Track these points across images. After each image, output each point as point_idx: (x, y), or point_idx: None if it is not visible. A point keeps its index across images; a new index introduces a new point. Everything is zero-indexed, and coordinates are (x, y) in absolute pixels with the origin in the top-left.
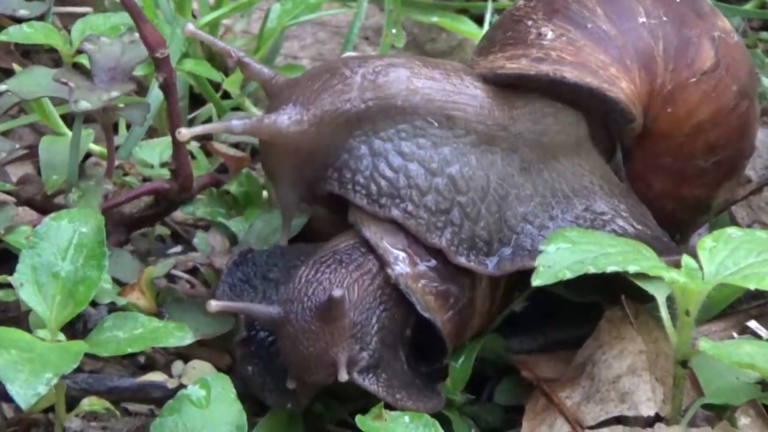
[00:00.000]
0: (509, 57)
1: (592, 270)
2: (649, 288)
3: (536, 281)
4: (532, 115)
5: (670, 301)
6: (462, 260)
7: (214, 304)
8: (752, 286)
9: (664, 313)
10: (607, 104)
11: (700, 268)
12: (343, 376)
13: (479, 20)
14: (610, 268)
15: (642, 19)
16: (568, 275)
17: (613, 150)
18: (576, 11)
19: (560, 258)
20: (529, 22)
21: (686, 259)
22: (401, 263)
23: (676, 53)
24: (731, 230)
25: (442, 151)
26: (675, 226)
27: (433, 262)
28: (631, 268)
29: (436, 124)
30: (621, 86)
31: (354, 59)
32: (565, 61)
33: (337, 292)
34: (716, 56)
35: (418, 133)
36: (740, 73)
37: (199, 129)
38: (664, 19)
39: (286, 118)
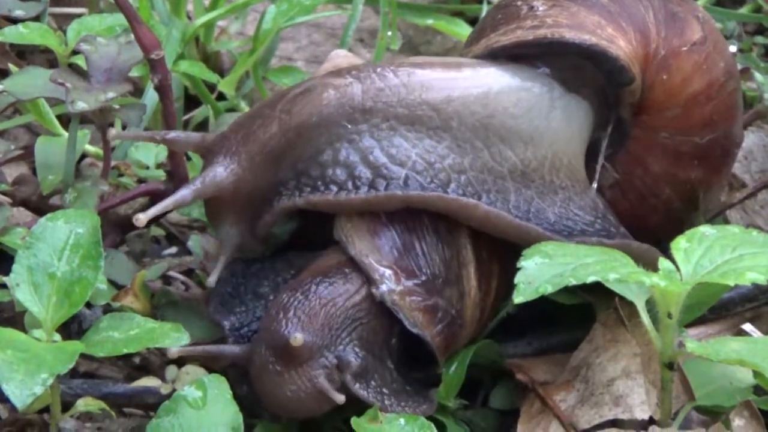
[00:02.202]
0: (503, 33)
1: (573, 282)
2: (627, 293)
3: (518, 298)
4: (482, 100)
5: (651, 304)
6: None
7: (173, 351)
8: (731, 283)
9: (644, 317)
10: (607, 62)
11: (677, 269)
12: (340, 399)
13: (474, 23)
14: (590, 279)
15: None
16: (550, 289)
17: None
18: None
19: (539, 273)
20: (519, 2)
21: (663, 262)
22: (387, 280)
23: (666, 22)
24: (704, 228)
25: (360, 144)
26: (670, 224)
27: (420, 278)
28: (611, 276)
29: (349, 126)
30: (619, 44)
31: (275, 95)
32: (562, 24)
33: (295, 339)
34: (703, 31)
35: (334, 140)
36: (725, 53)
37: (153, 210)
38: None
39: (222, 170)
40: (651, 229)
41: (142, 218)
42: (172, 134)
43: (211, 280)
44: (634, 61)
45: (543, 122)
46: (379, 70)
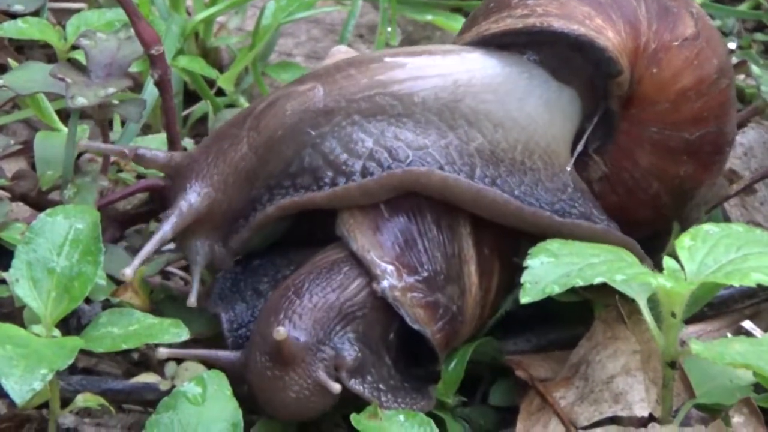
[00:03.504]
0: (494, 21)
1: (580, 283)
2: (628, 291)
3: (525, 298)
4: (449, 85)
5: (652, 301)
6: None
7: (164, 352)
8: (736, 283)
9: (647, 315)
10: (595, 53)
11: (681, 268)
12: (335, 388)
13: None
14: (597, 279)
15: None
16: (557, 290)
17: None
18: None
19: (545, 273)
20: None
21: (668, 261)
22: (389, 276)
23: (658, 16)
24: (708, 227)
25: (322, 147)
26: (660, 218)
27: (422, 274)
28: (618, 277)
29: (313, 132)
30: (608, 35)
31: (242, 113)
32: (552, 13)
33: (278, 332)
34: (696, 27)
35: (300, 148)
36: (719, 50)
37: (137, 261)
38: None
39: (195, 195)
40: (640, 223)
41: (128, 273)
42: (141, 150)
43: (192, 300)
44: (622, 53)
45: (516, 107)
46: (342, 68)
